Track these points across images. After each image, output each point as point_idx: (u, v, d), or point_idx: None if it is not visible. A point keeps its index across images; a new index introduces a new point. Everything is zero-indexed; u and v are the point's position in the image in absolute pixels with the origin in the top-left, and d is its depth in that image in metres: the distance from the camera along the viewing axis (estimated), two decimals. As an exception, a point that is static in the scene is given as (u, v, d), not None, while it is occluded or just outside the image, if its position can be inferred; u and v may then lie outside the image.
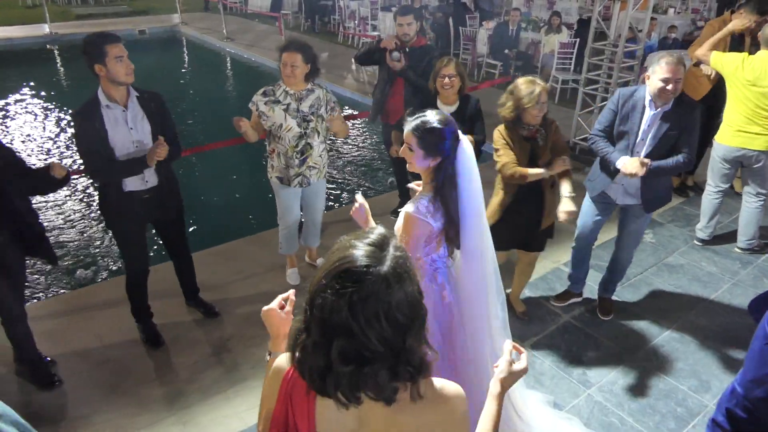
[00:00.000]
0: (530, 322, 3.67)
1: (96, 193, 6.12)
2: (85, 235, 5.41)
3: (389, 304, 1.05)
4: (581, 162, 5.86)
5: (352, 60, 11.22)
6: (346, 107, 9.11)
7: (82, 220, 5.65)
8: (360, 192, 2.38)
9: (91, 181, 6.07)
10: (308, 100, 3.54)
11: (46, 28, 13.80)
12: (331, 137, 3.82)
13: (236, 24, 15.14)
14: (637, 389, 3.15)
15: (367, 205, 2.26)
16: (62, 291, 4.53)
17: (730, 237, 4.66)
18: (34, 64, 12.50)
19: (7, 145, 2.96)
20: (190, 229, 5.26)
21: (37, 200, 6.00)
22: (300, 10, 15.42)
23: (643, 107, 3.16)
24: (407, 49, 4.30)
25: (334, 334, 1.06)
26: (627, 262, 3.64)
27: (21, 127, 8.38)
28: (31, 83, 10.49)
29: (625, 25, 5.84)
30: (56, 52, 13.23)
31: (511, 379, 1.44)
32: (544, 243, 3.46)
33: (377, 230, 1.17)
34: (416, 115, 2.15)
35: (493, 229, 3.15)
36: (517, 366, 1.45)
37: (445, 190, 2.12)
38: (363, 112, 7.26)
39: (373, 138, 7.96)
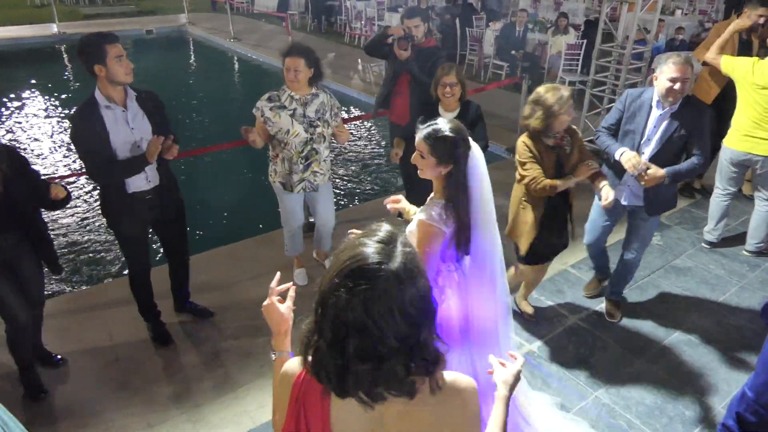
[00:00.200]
0: (537, 323, 3.68)
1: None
2: (96, 233, 5.44)
3: (402, 300, 1.06)
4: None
5: (359, 60, 11.28)
6: (353, 108, 9.14)
7: (94, 218, 5.68)
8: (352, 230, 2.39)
9: (91, 181, 6.10)
10: (313, 104, 3.55)
11: (54, 28, 13.89)
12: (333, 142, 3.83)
13: (243, 24, 15.19)
14: (645, 392, 3.16)
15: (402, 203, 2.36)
16: (73, 289, 4.57)
17: (738, 240, 4.66)
18: (42, 63, 12.58)
19: (22, 154, 2.92)
20: (197, 230, 5.30)
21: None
22: (306, 11, 15.45)
23: (650, 107, 3.19)
24: (414, 43, 4.31)
25: (349, 333, 1.06)
26: (635, 264, 3.65)
27: (29, 126, 8.44)
28: (40, 82, 10.57)
29: (633, 26, 5.83)
30: (64, 51, 13.30)
31: (512, 380, 1.47)
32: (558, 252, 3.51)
33: (383, 227, 1.17)
34: (428, 123, 2.17)
35: (532, 244, 3.19)
36: (512, 367, 1.50)
37: (457, 196, 2.15)
38: (370, 113, 7.29)
39: (381, 138, 7.97)
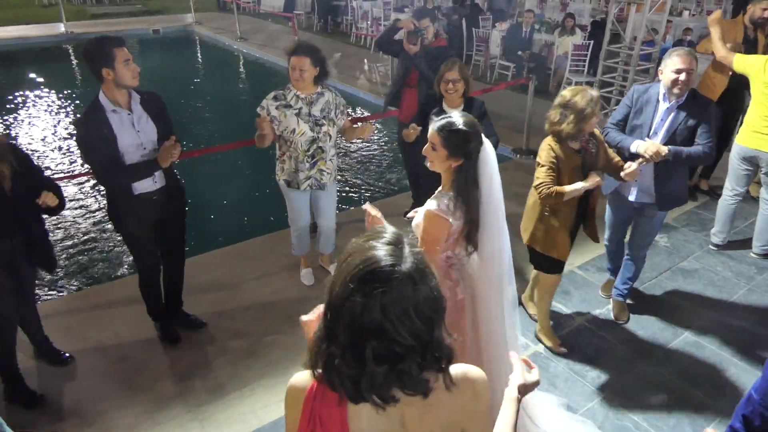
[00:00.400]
0: (544, 324, 3.67)
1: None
2: (102, 231, 5.46)
3: (417, 300, 1.07)
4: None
5: (365, 60, 11.29)
6: (359, 108, 9.15)
7: (101, 217, 5.71)
8: (367, 202, 2.35)
9: (98, 184, 6.13)
10: (319, 103, 3.56)
11: (61, 27, 13.96)
12: (341, 139, 3.84)
13: (249, 24, 15.22)
14: (652, 393, 3.15)
15: (378, 213, 2.25)
16: (79, 288, 4.59)
17: (746, 242, 4.63)
18: (49, 62, 12.65)
19: (25, 152, 2.89)
20: (204, 229, 5.31)
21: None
22: (313, 11, 15.47)
23: (657, 101, 3.26)
24: (423, 38, 4.33)
25: (367, 337, 1.06)
26: (640, 263, 3.64)
27: (37, 125, 8.48)
28: (47, 81, 10.62)
29: (642, 27, 5.82)
30: (71, 51, 13.37)
31: (525, 388, 1.45)
32: None
33: (388, 229, 1.18)
34: (442, 116, 2.19)
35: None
36: (530, 378, 1.46)
37: (468, 191, 2.16)
38: (376, 114, 7.29)
39: (386, 139, 7.98)
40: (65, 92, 10.14)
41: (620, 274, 3.74)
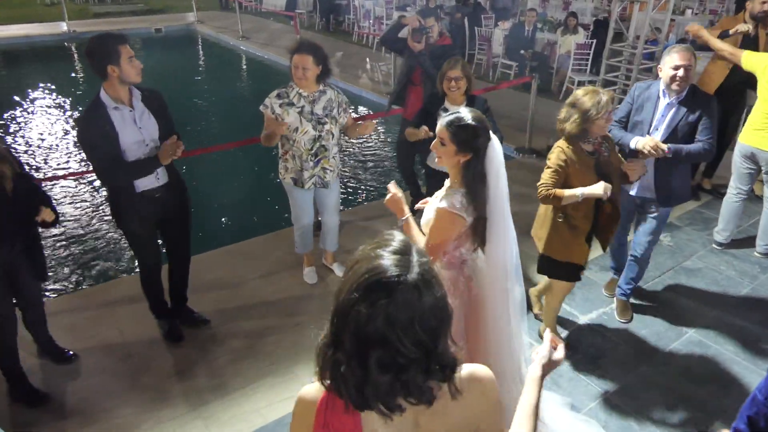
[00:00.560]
0: (547, 323, 3.67)
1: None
2: (106, 230, 5.48)
3: (422, 311, 1.07)
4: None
5: (367, 59, 11.29)
6: (361, 107, 9.14)
7: (104, 216, 5.72)
8: (393, 181, 2.40)
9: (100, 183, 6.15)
10: (321, 102, 3.56)
11: (64, 26, 13.97)
12: (344, 138, 3.85)
13: (251, 23, 15.23)
14: (656, 393, 3.15)
15: (401, 193, 2.32)
16: (83, 287, 4.60)
17: (749, 241, 4.62)
18: (52, 61, 12.66)
19: (19, 155, 2.95)
20: (206, 228, 5.32)
21: (56, 197, 6.10)
22: (315, 9, 15.46)
23: (658, 98, 3.31)
24: (428, 36, 4.33)
25: (371, 346, 1.06)
26: (644, 262, 3.63)
27: (40, 123, 8.50)
28: (50, 80, 10.63)
29: (645, 25, 5.81)
30: (74, 49, 13.38)
31: (549, 366, 1.45)
32: None
33: (397, 236, 1.17)
34: (450, 111, 2.21)
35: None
36: (556, 355, 1.47)
37: (476, 186, 2.17)
38: (378, 113, 7.29)
39: (391, 137, 7.97)
40: (67, 91, 10.15)
41: (624, 274, 3.73)
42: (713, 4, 13.58)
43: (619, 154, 3.12)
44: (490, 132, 2.21)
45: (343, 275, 1.14)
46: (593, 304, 3.88)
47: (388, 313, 1.04)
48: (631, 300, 3.81)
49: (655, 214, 3.45)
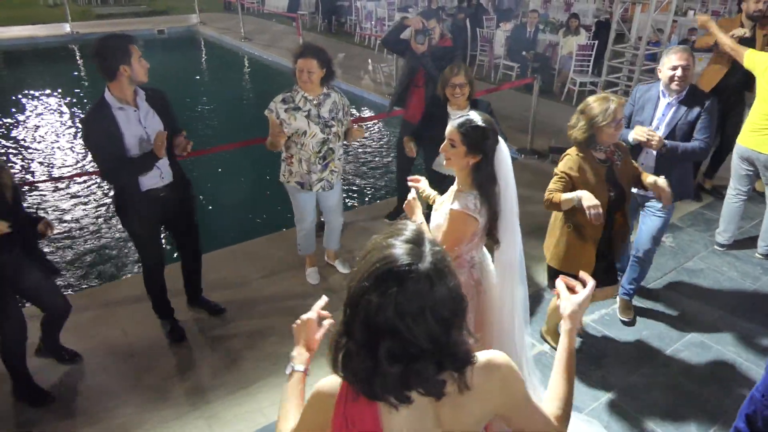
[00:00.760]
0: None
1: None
2: (108, 230, 5.49)
3: (434, 301, 1.05)
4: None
5: (369, 60, 11.30)
6: (364, 108, 9.16)
7: (107, 216, 5.74)
8: (424, 180, 2.49)
9: (105, 182, 6.17)
10: (326, 104, 3.58)
11: (67, 28, 14.02)
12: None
13: (254, 24, 15.26)
14: (658, 393, 3.15)
15: (418, 201, 2.39)
16: (88, 286, 4.61)
17: (751, 242, 4.62)
18: (55, 62, 12.70)
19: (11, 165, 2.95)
20: (208, 229, 5.33)
21: (59, 197, 6.12)
22: (317, 11, 15.49)
23: (658, 98, 3.39)
24: (431, 38, 4.33)
25: (381, 335, 1.05)
26: (646, 262, 3.64)
27: (43, 125, 8.52)
28: (53, 81, 10.67)
29: (647, 27, 5.82)
30: (77, 51, 13.42)
31: (577, 312, 1.44)
32: (616, 275, 3.23)
33: (409, 226, 1.15)
34: (461, 114, 2.26)
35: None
36: (579, 297, 1.45)
37: (488, 187, 2.20)
38: (380, 114, 7.30)
39: (391, 138, 7.99)
40: (70, 92, 10.18)
41: (626, 274, 3.74)
42: (715, 5, 13.58)
43: (638, 170, 3.03)
44: (499, 135, 2.25)
45: (355, 265, 1.13)
46: (595, 305, 3.88)
47: (398, 303, 1.03)
48: (634, 301, 3.81)
49: (657, 214, 3.45)
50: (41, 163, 7.06)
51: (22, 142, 7.73)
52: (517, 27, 10.30)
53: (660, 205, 3.41)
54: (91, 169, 6.71)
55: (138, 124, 2.97)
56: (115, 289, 4.14)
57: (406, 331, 1.03)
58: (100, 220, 5.70)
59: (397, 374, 1.06)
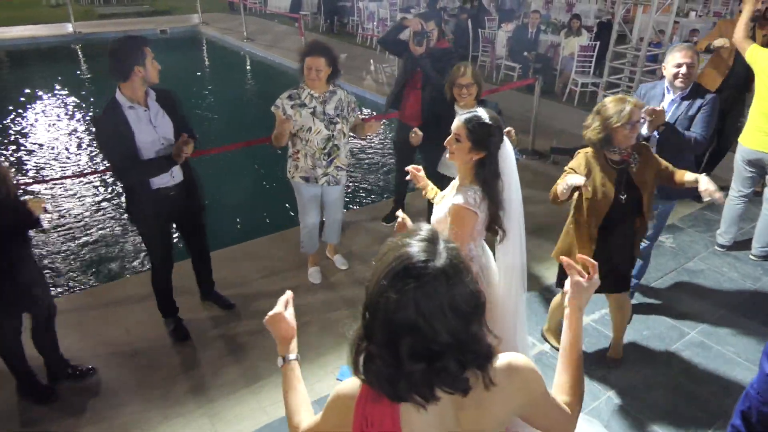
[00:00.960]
0: (550, 324, 3.70)
1: (122, 189, 6.28)
2: (114, 229, 5.52)
3: (452, 295, 1.06)
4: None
5: (371, 61, 11.32)
6: (366, 109, 9.18)
7: (110, 215, 5.77)
8: (400, 210, 2.43)
9: (116, 180, 6.19)
10: (332, 102, 3.62)
11: (69, 27, 14.05)
12: (352, 135, 3.90)
13: (256, 24, 15.28)
14: (658, 393, 3.17)
15: (407, 219, 2.33)
16: (91, 285, 4.64)
17: (752, 243, 4.63)
18: (58, 62, 12.74)
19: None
20: (211, 229, 5.35)
21: (63, 196, 6.14)
22: (319, 11, 15.51)
23: (663, 95, 3.44)
24: (429, 40, 4.33)
25: (402, 333, 1.05)
26: (645, 260, 3.66)
27: (45, 124, 8.55)
28: (56, 81, 10.70)
29: (649, 28, 5.83)
30: (80, 50, 13.47)
31: (585, 296, 1.42)
32: (629, 282, 3.17)
33: (424, 227, 1.17)
34: (469, 110, 2.28)
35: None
36: (584, 281, 1.42)
37: (490, 183, 2.23)
38: (378, 115, 7.31)
39: (391, 138, 8.00)
40: (73, 92, 10.20)
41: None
42: (717, 6, 13.58)
43: (669, 168, 2.91)
44: (504, 134, 2.28)
45: (372, 269, 1.14)
46: (596, 304, 3.90)
47: (417, 299, 1.04)
48: (634, 301, 3.83)
49: (658, 210, 3.48)
50: (44, 162, 7.09)
51: (24, 141, 7.77)
52: (518, 27, 10.31)
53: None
54: (93, 169, 6.75)
55: (148, 124, 3.03)
56: (118, 288, 4.17)
57: (427, 327, 1.04)
58: (103, 219, 5.72)
59: (421, 372, 1.07)
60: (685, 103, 3.35)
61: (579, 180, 2.61)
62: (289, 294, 1.54)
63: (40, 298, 3.01)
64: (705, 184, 2.67)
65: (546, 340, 3.53)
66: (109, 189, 6.35)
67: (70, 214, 5.78)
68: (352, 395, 1.22)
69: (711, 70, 5.08)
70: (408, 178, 2.71)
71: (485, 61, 10.64)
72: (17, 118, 8.71)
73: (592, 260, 1.46)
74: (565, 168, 2.91)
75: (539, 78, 6.52)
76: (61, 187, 6.32)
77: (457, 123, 2.25)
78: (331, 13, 14.93)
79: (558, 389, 1.38)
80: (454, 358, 1.08)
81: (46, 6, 18.08)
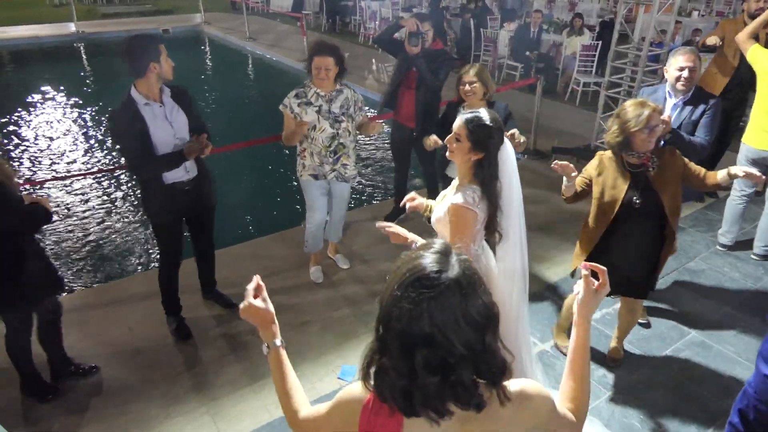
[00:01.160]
0: (550, 323, 3.70)
1: (126, 188, 6.29)
2: (116, 229, 5.55)
3: (466, 306, 1.06)
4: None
5: (373, 60, 11.33)
6: (368, 108, 9.18)
7: (112, 215, 5.79)
8: (377, 222, 2.43)
9: (131, 176, 6.24)
10: (338, 100, 3.65)
11: (72, 27, 14.10)
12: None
13: (258, 24, 15.30)
14: (658, 392, 3.17)
15: (398, 228, 2.35)
16: (93, 284, 4.66)
17: (753, 243, 4.63)
18: (61, 61, 12.78)
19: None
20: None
21: (66, 195, 6.17)
22: (321, 11, 15.52)
23: (665, 99, 3.43)
24: (424, 40, 4.32)
25: (417, 345, 1.05)
26: None
27: (48, 124, 8.58)
28: (59, 80, 10.73)
29: (650, 28, 5.82)
30: (82, 50, 13.50)
31: (593, 303, 1.42)
32: (647, 290, 3.12)
33: (437, 241, 1.18)
34: (471, 110, 2.29)
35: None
36: (596, 290, 1.41)
37: (489, 184, 2.24)
38: (375, 115, 7.32)
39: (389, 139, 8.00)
40: (76, 91, 10.23)
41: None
42: (720, 6, 13.55)
43: (693, 165, 2.87)
44: (504, 136, 2.28)
45: (385, 282, 1.14)
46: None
47: (431, 310, 1.04)
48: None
49: None
50: (46, 161, 7.12)
51: (27, 141, 7.79)
52: (520, 27, 10.30)
53: None
54: (96, 168, 6.78)
55: (164, 120, 3.09)
56: (121, 287, 4.19)
57: (442, 338, 1.04)
58: (106, 218, 5.75)
59: (436, 385, 1.07)
60: (688, 107, 3.36)
61: (569, 174, 2.73)
62: (255, 280, 1.50)
63: (49, 296, 3.03)
64: (739, 170, 2.70)
65: (554, 338, 3.54)
66: (111, 188, 6.37)
67: (70, 213, 5.80)
68: (359, 400, 1.22)
69: (715, 71, 5.07)
70: (408, 211, 2.68)
71: (487, 61, 10.64)
72: (20, 118, 8.74)
73: (601, 266, 1.45)
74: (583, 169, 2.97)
75: (541, 77, 6.52)
76: (62, 187, 6.35)
77: (458, 123, 2.26)
78: (333, 13, 14.95)
79: (564, 396, 1.39)
80: (468, 371, 1.08)
81: (48, 5, 18.14)
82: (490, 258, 2.46)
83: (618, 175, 2.82)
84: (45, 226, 3.17)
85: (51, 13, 16.50)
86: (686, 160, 2.88)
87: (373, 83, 10.15)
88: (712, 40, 4.88)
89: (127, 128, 3.01)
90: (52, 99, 9.83)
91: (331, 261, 4.40)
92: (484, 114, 2.24)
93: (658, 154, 2.81)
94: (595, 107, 6.73)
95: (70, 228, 5.52)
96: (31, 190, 6.04)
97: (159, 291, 3.62)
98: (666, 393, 3.17)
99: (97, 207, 5.98)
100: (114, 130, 3.19)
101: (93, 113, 8.99)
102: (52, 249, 5.13)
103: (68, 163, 7.11)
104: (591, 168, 2.92)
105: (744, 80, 4.80)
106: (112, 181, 6.49)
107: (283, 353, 1.48)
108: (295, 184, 4.14)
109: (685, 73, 3.27)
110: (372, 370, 1.14)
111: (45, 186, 6.30)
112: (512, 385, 1.19)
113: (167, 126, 3.10)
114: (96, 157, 7.35)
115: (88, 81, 11.20)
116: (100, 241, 5.34)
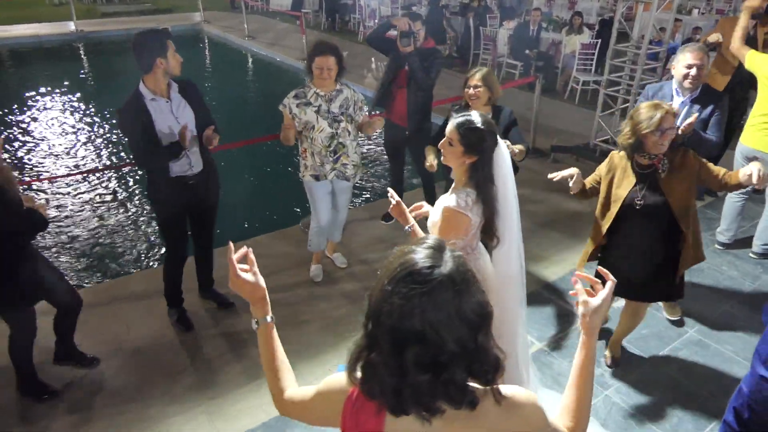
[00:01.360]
0: (548, 322, 3.71)
1: (126, 188, 6.29)
2: (115, 227, 5.55)
3: (459, 302, 1.04)
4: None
5: (372, 59, 11.32)
6: (366, 107, 9.18)
7: (115, 213, 5.79)
8: (390, 189, 2.47)
9: (130, 175, 6.25)
10: (338, 100, 3.65)
11: (72, 26, 14.07)
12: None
13: (257, 23, 15.27)
14: (656, 391, 3.17)
15: (405, 208, 2.38)
16: (92, 283, 4.66)
17: (752, 242, 4.63)
18: (61, 60, 12.77)
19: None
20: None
21: (66, 194, 6.17)
22: (320, 9, 15.50)
23: (672, 97, 3.42)
24: (416, 40, 4.31)
25: (407, 342, 1.03)
26: None
27: (48, 123, 8.58)
28: (59, 80, 10.72)
29: (649, 26, 5.81)
30: (82, 49, 13.49)
31: (596, 317, 1.33)
32: (657, 295, 3.15)
33: (430, 237, 1.16)
34: (462, 114, 2.29)
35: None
36: (597, 300, 1.33)
37: (484, 187, 2.24)
38: (384, 113, 7.31)
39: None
40: (76, 90, 10.22)
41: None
42: (720, 4, 13.53)
43: (711, 166, 2.85)
44: (498, 138, 2.27)
45: (377, 277, 1.12)
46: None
47: (423, 306, 1.02)
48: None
49: None
50: (45, 161, 7.12)
51: (27, 140, 7.79)
52: (520, 25, 10.29)
53: None
54: (94, 167, 6.78)
55: (170, 115, 3.12)
56: (120, 286, 4.19)
57: (434, 335, 1.02)
58: (106, 216, 5.75)
59: (427, 383, 1.04)
60: (696, 106, 3.34)
61: (567, 172, 2.79)
62: (241, 251, 1.42)
63: (53, 294, 3.03)
64: (756, 167, 2.65)
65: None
66: (111, 187, 6.37)
67: (70, 212, 5.80)
68: (343, 391, 1.21)
69: (714, 71, 5.05)
70: (416, 219, 2.68)
71: (486, 60, 10.63)
72: (20, 117, 8.73)
73: (595, 279, 1.36)
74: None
75: (540, 76, 6.52)
76: (62, 186, 6.35)
77: (450, 127, 2.26)
78: (332, 11, 14.93)
79: (564, 410, 1.35)
80: (461, 369, 1.05)
81: (48, 5, 18.11)
82: (487, 261, 2.46)
83: (625, 175, 2.83)
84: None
85: (51, 12, 16.48)
86: (703, 160, 2.84)
87: (372, 81, 10.13)
88: (714, 37, 4.88)
89: (134, 122, 3.06)
90: (52, 98, 9.82)
91: (328, 260, 4.40)
92: (476, 117, 2.23)
93: (670, 157, 2.78)
94: (594, 106, 6.71)
95: (67, 227, 5.52)
96: (28, 189, 6.05)
97: (158, 289, 3.66)
98: (664, 392, 3.17)
99: (95, 206, 5.98)
100: (121, 124, 3.26)
101: (92, 112, 8.99)
102: (49, 249, 5.13)
103: (67, 162, 7.11)
104: (602, 166, 2.96)
105: (744, 79, 4.79)
106: (113, 180, 6.50)
107: (273, 329, 1.44)
108: (294, 182, 4.13)
109: (693, 71, 3.26)
110: (359, 365, 1.12)
111: (43, 185, 6.30)
112: (503, 390, 1.16)
113: (173, 121, 3.13)
114: (95, 156, 7.35)
115: (87, 80, 11.20)
116: (99, 240, 5.34)
